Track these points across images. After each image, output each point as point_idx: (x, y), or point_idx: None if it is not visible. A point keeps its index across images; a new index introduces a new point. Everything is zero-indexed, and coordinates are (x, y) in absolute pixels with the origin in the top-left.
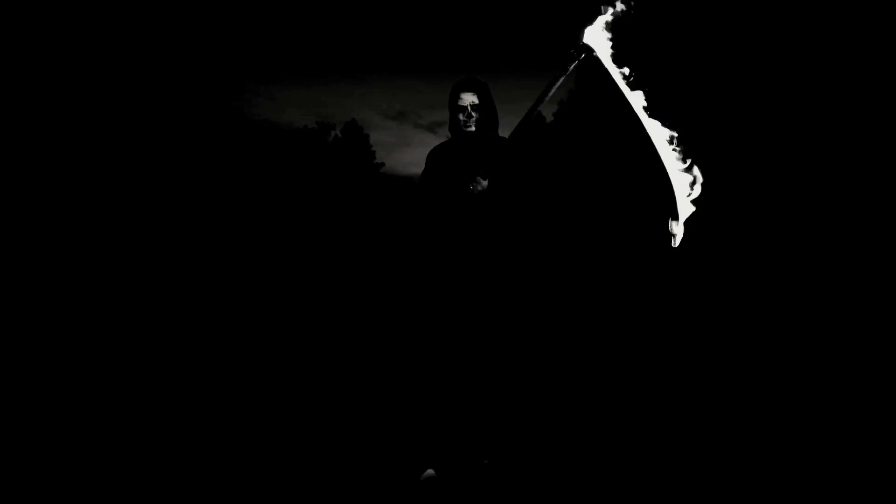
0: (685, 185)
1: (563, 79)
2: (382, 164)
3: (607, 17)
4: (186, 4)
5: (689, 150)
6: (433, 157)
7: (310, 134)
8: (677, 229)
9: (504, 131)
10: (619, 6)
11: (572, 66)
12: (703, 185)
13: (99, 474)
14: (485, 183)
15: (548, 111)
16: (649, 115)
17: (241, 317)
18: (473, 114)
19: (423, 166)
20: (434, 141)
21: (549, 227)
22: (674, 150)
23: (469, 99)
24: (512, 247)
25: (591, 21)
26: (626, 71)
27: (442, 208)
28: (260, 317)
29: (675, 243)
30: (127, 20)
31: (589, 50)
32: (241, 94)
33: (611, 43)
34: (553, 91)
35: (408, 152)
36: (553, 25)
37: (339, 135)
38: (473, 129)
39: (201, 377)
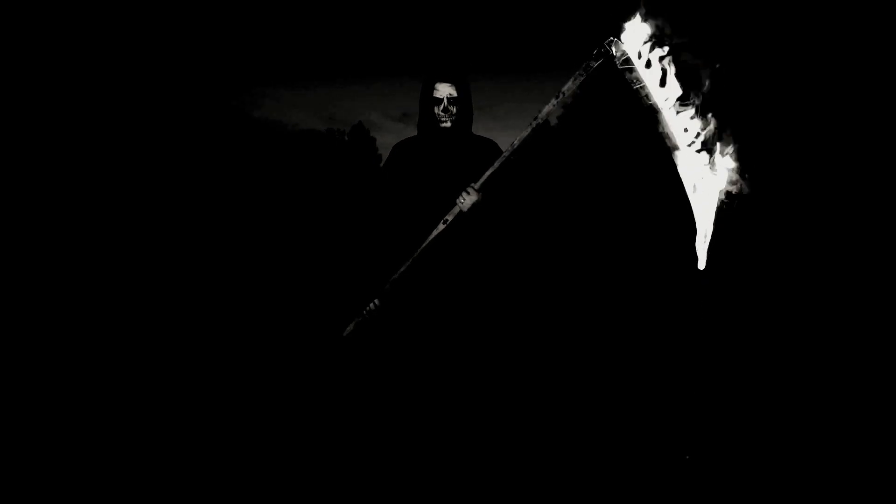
0: (710, 195)
1: (579, 81)
2: None
3: (639, 19)
4: (195, 6)
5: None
6: (399, 154)
7: (317, 137)
8: (702, 248)
9: (479, 131)
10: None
11: (594, 68)
12: (738, 194)
13: (98, 474)
14: (476, 197)
15: (552, 115)
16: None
17: (242, 318)
18: (451, 108)
19: None
20: None
21: (545, 240)
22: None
23: (446, 91)
24: (499, 260)
25: (616, 23)
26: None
27: (417, 220)
28: (261, 318)
29: (700, 265)
30: (135, 21)
31: (612, 51)
32: (247, 96)
33: (646, 43)
34: (566, 95)
35: None
36: (555, 27)
37: (346, 138)
38: (449, 125)
39: (202, 379)
